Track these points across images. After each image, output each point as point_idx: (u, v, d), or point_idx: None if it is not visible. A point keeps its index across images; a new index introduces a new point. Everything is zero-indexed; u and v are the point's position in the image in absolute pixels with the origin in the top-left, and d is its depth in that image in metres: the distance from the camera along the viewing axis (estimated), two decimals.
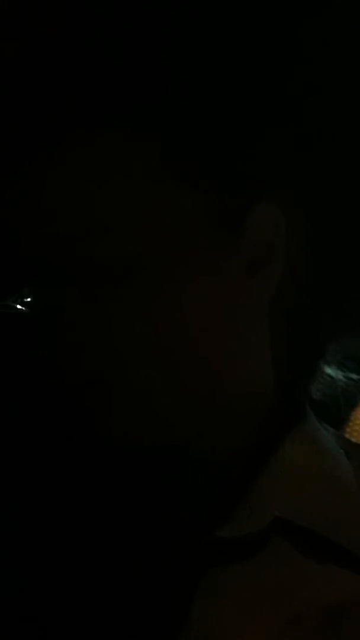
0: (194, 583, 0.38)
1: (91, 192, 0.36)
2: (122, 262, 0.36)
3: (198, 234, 0.38)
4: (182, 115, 0.36)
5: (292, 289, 0.42)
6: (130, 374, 0.38)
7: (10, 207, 0.38)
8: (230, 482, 0.40)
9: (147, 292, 0.37)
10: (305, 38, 0.39)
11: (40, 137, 0.36)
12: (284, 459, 0.42)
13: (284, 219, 0.40)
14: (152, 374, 0.38)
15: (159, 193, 0.37)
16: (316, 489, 0.41)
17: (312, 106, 0.40)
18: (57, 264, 0.37)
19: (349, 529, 0.39)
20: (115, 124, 0.36)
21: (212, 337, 0.39)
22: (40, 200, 0.37)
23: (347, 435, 0.55)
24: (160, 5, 0.35)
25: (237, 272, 0.39)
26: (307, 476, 0.42)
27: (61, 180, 0.36)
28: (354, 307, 0.58)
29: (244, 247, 0.39)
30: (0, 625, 0.39)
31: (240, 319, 0.40)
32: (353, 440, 0.52)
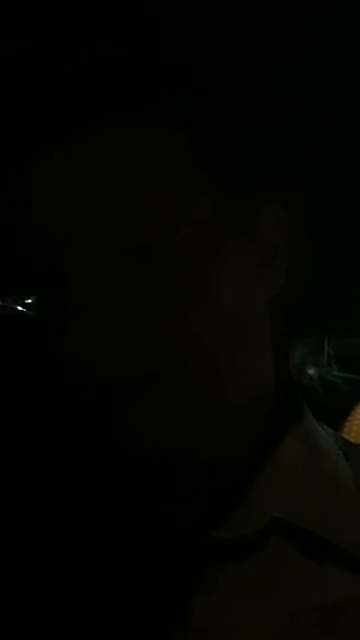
0: (192, 583, 0.38)
1: (138, 175, 0.36)
2: (162, 248, 0.36)
3: (221, 229, 0.38)
4: (208, 111, 0.38)
5: (292, 289, 0.43)
6: (171, 368, 0.37)
7: (48, 194, 0.37)
8: (229, 482, 0.40)
9: (181, 283, 0.37)
10: (315, 43, 0.39)
11: (78, 116, 0.35)
12: (282, 459, 0.42)
13: (287, 220, 0.42)
14: (194, 368, 0.37)
15: (192, 184, 0.37)
16: (314, 490, 0.41)
17: (317, 109, 0.40)
18: (92, 257, 0.36)
19: (347, 529, 0.39)
20: (147, 110, 0.36)
21: (232, 333, 0.39)
22: (84, 183, 0.36)
23: (345, 436, 0.55)
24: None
25: (250, 270, 0.40)
26: (306, 477, 0.42)
27: (104, 161, 0.36)
28: (353, 307, 0.58)
29: (255, 245, 0.40)
30: (1, 625, 0.39)
31: (251, 316, 0.41)
32: (351, 440, 0.52)
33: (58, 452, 0.44)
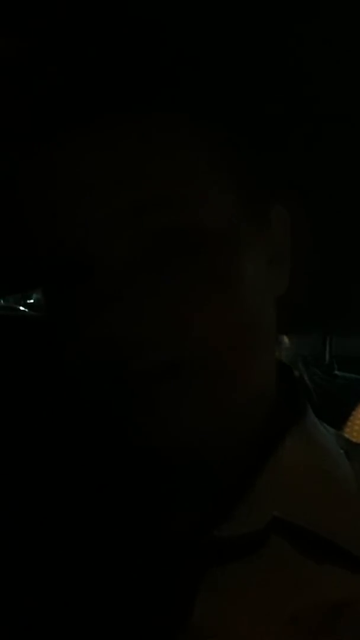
0: (193, 582, 0.38)
1: (165, 162, 0.36)
2: (188, 234, 0.36)
3: (239, 225, 0.39)
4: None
5: (293, 290, 0.43)
6: (192, 357, 0.36)
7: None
8: (230, 481, 0.40)
9: (206, 272, 0.37)
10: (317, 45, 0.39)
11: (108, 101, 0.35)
12: (283, 458, 0.41)
13: (289, 222, 0.43)
14: (213, 358, 0.37)
15: (214, 177, 0.38)
16: (315, 489, 0.41)
17: (321, 112, 0.40)
18: (122, 243, 0.36)
19: (348, 529, 0.39)
20: (171, 105, 0.36)
21: (248, 328, 0.39)
22: (115, 168, 0.36)
23: (346, 435, 0.55)
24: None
25: (263, 269, 0.40)
26: (307, 476, 0.42)
27: (134, 148, 0.36)
28: (353, 307, 0.59)
29: (265, 246, 0.41)
30: (1, 624, 0.39)
31: (263, 314, 0.41)
32: (353, 440, 0.52)
33: (61, 449, 0.44)
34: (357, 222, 0.49)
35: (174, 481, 0.40)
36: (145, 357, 0.36)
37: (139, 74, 0.35)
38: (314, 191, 0.45)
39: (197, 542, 0.39)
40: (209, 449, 0.39)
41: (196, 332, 0.36)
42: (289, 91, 0.38)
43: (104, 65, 0.35)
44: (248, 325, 0.38)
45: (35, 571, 0.40)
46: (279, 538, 0.38)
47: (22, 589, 0.40)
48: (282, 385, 0.45)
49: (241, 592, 0.38)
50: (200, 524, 0.39)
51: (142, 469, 0.41)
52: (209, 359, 0.37)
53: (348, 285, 0.56)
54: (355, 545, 0.38)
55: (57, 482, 0.43)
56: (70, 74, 0.35)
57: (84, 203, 0.36)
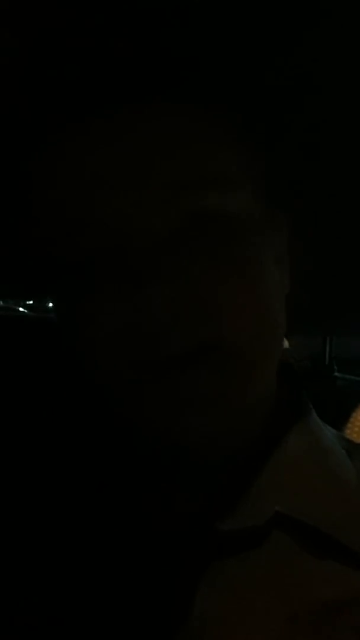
0: (194, 575, 0.38)
1: (199, 145, 0.36)
2: (219, 217, 0.36)
3: (259, 217, 0.39)
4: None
5: (294, 290, 0.44)
6: (231, 344, 0.36)
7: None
8: (233, 476, 0.40)
9: (239, 256, 0.37)
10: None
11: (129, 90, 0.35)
12: (286, 454, 0.42)
13: (287, 225, 0.44)
14: (247, 349, 0.37)
15: (238, 167, 0.38)
16: (318, 486, 0.41)
17: (322, 119, 0.40)
18: (156, 224, 0.36)
19: (349, 526, 0.39)
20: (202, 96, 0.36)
21: (269, 316, 0.39)
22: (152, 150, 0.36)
23: (347, 436, 0.55)
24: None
25: (274, 266, 0.41)
26: (309, 472, 0.42)
27: (168, 133, 0.36)
28: (352, 308, 0.59)
29: (274, 242, 0.42)
30: (1, 624, 0.39)
31: (278, 308, 0.41)
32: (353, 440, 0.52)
33: (61, 448, 0.44)
34: (356, 224, 0.49)
35: (178, 474, 0.40)
36: (176, 339, 0.35)
37: (161, 66, 0.35)
38: (314, 194, 0.45)
39: (198, 536, 0.39)
40: (214, 442, 0.39)
41: (225, 314, 0.36)
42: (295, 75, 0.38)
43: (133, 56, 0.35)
44: (270, 317, 0.39)
45: (35, 567, 0.40)
46: (281, 534, 0.39)
47: (22, 587, 0.40)
48: (284, 385, 0.45)
49: (242, 586, 0.38)
50: (201, 517, 0.39)
51: (144, 462, 0.41)
52: (235, 346, 0.36)
53: (347, 287, 0.57)
54: (357, 542, 0.38)
55: (58, 478, 0.43)
56: (99, 63, 0.35)
57: (120, 184, 0.36)
